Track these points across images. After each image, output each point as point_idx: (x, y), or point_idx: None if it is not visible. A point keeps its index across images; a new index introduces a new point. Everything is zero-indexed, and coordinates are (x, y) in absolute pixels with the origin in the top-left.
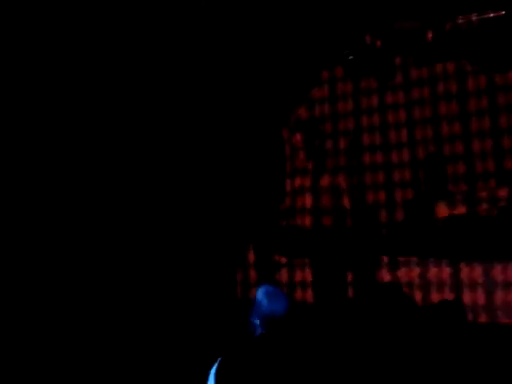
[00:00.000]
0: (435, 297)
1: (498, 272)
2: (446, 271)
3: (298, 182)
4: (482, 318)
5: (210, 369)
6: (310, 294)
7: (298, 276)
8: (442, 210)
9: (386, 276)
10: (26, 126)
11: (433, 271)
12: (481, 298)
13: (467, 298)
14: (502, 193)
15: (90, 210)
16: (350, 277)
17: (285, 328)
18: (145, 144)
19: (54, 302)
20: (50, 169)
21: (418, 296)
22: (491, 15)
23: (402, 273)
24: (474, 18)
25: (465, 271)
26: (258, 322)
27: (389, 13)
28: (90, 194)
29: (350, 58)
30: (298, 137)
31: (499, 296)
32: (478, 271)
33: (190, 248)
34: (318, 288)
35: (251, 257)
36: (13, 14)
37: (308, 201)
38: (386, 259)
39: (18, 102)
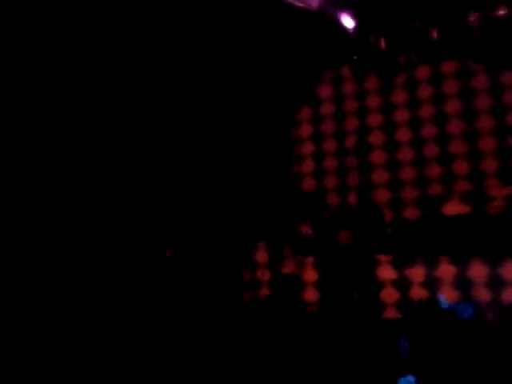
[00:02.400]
0: (441, 295)
1: (505, 270)
2: (454, 270)
3: (303, 181)
4: (490, 316)
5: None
6: (316, 294)
7: (306, 275)
8: (450, 209)
9: (392, 275)
10: (26, 126)
11: (440, 269)
12: (488, 295)
13: (474, 296)
14: (509, 191)
15: (90, 209)
16: (355, 276)
17: None
18: (147, 142)
19: (54, 300)
20: (48, 168)
21: (424, 294)
22: (498, 13)
23: (408, 271)
24: (480, 16)
25: (472, 269)
26: None
27: (395, 12)
28: (89, 194)
29: (355, 57)
30: (303, 137)
31: (507, 294)
32: (485, 269)
33: (195, 246)
34: (324, 287)
35: (259, 256)
36: (12, 14)
37: (313, 201)
38: (392, 258)
39: (18, 101)
